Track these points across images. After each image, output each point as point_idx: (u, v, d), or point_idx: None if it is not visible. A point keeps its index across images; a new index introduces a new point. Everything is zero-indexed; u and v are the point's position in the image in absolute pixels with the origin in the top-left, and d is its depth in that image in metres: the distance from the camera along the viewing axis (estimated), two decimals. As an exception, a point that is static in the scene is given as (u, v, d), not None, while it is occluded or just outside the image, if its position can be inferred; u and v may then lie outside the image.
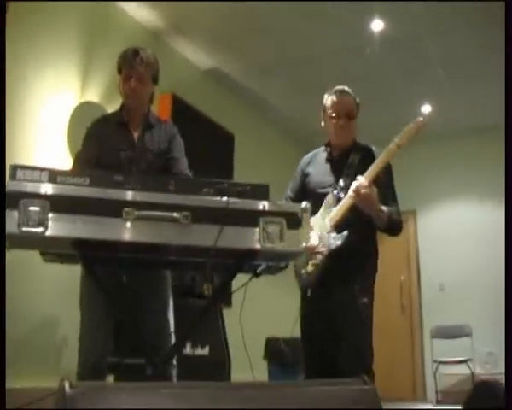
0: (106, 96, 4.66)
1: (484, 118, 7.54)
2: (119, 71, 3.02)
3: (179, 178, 2.79)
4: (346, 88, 3.24)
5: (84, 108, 4.45)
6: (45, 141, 4.27)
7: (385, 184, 3.07)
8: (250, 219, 2.09)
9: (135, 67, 2.94)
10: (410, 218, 8.29)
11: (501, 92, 6.11)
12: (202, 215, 2.05)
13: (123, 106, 3.09)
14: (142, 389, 1.21)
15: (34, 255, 3.74)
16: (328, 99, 3.21)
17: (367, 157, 3.10)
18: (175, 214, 2.02)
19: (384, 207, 2.96)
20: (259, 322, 5.38)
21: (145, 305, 2.81)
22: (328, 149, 3.27)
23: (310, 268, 3.06)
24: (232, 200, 2.09)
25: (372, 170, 2.94)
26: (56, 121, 4.37)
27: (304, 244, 2.13)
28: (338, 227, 3.02)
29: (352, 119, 3.19)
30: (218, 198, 2.09)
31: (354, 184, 2.90)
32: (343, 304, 2.99)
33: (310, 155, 3.38)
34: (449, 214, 8.15)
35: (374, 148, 3.20)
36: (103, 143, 2.95)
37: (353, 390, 1.46)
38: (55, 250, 2.24)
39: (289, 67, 6.49)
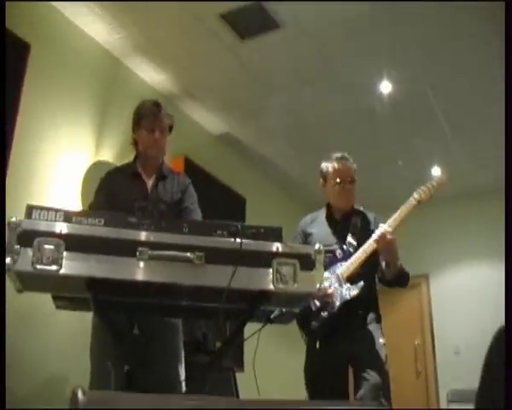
0: (119, 155, 4.73)
1: (494, 180, 7.56)
2: (138, 123, 3.06)
3: (192, 220, 2.81)
4: (345, 154, 3.42)
5: (97, 167, 4.51)
6: (59, 197, 4.31)
7: None
8: (263, 260, 2.09)
9: (159, 119, 3.02)
10: (422, 281, 8.23)
11: (503, 154, 6.21)
12: (216, 256, 2.05)
13: (136, 157, 3.13)
14: (155, 400, 1.19)
15: (44, 308, 3.76)
16: (330, 166, 3.39)
17: (365, 222, 3.32)
18: (189, 255, 2.02)
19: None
20: (271, 386, 5.29)
21: (156, 356, 2.78)
22: (330, 211, 3.44)
23: (321, 319, 3.10)
24: (246, 241, 2.09)
25: (394, 220, 3.06)
26: (70, 179, 4.42)
27: (318, 285, 2.12)
28: (350, 279, 3.13)
29: (354, 183, 3.37)
30: (232, 240, 2.09)
31: (379, 231, 3.01)
32: (362, 344, 3.07)
33: (310, 216, 3.53)
34: (462, 277, 8.07)
35: (370, 214, 3.40)
36: (117, 192, 2.98)
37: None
38: (68, 293, 2.23)
39: (299, 130, 6.58)
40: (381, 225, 3.04)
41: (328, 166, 3.39)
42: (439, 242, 8.22)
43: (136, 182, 3.07)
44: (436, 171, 7.43)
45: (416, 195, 3.10)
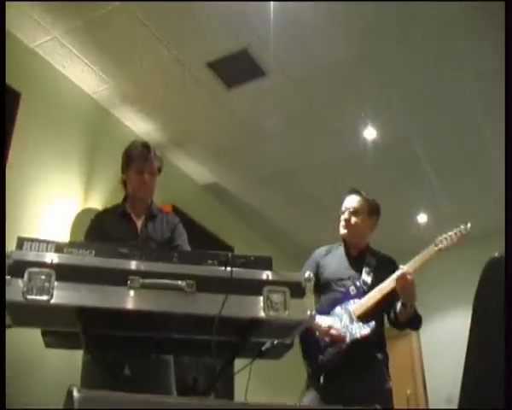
0: (108, 202, 4.73)
1: (481, 225, 7.61)
2: (127, 164, 3.10)
3: (183, 251, 2.82)
4: (357, 188, 3.55)
5: (86, 214, 4.51)
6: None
7: None
8: (254, 288, 2.10)
9: (148, 162, 3.05)
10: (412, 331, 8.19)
11: (490, 199, 6.28)
12: (207, 284, 2.05)
13: (125, 198, 3.15)
14: (150, 400, 1.18)
15: (31, 353, 3.71)
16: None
17: (379, 262, 3.37)
18: (180, 283, 2.02)
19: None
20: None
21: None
22: (347, 246, 3.48)
23: (327, 356, 3.06)
24: (236, 270, 2.10)
25: (414, 262, 3.14)
26: (59, 225, 4.42)
27: (308, 313, 2.12)
28: (362, 318, 3.13)
29: (357, 215, 3.42)
30: (223, 268, 2.10)
31: (400, 271, 3.06)
32: (368, 387, 3.02)
33: (325, 247, 3.55)
34: (452, 325, 8.05)
35: (385, 255, 3.48)
36: (107, 232, 2.99)
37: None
38: (58, 326, 2.21)
39: (285, 179, 6.63)
40: (401, 266, 3.09)
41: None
42: (427, 290, 8.15)
43: (126, 222, 3.08)
44: (422, 218, 7.50)
45: (437, 241, 3.22)
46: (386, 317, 3.28)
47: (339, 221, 3.47)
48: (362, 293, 3.20)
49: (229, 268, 2.09)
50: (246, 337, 2.22)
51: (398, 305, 3.12)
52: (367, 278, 3.24)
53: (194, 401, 1.31)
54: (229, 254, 2.16)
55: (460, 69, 5.01)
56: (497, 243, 1.51)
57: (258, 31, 4.56)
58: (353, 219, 3.39)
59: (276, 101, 5.37)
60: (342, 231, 3.43)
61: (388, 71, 5.04)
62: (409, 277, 3.02)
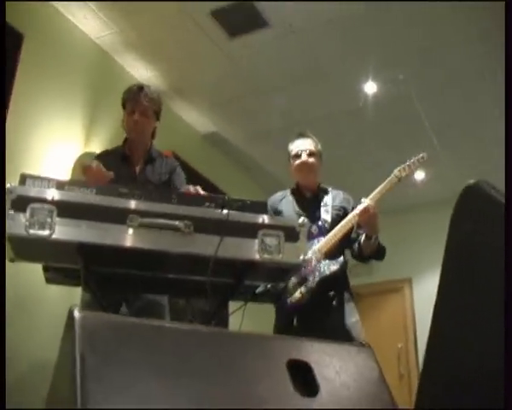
0: (108, 147, 4.77)
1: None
2: (124, 106, 3.15)
3: (181, 192, 2.87)
4: (307, 131, 3.56)
5: (86, 157, 4.55)
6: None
7: None
8: (249, 231, 2.17)
9: (139, 102, 3.08)
10: (405, 285, 8.32)
11: (492, 158, 6.31)
12: (204, 225, 2.12)
13: (126, 140, 3.20)
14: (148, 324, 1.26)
15: (30, 295, 3.79)
16: (291, 144, 3.54)
17: (335, 199, 3.40)
18: (177, 223, 2.08)
19: None
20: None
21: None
22: (299, 189, 3.51)
23: (297, 295, 3.10)
24: (232, 212, 2.16)
25: (375, 195, 3.12)
26: (60, 168, 4.47)
27: (302, 257, 2.19)
28: (328, 255, 3.15)
29: (313, 157, 3.43)
30: (219, 211, 2.17)
31: (362, 205, 3.07)
32: (336, 326, 3.07)
33: (280, 193, 3.58)
34: (445, 281, 8.16)
35: (338, 191, 3.49)
36: None
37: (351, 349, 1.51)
38: (58, 262, 2.28)
39: (285, 132, 6.61)
40: (363, 199, 3.09)
41: (290, 144, 3.52)
42: (422, 246, 8.30)
43: (125, 165, 3.14)
44: (420, 175, 7.55)
45: (396, 172, 3.17)
46: (350, 252, 3.33)
47: (292, 163, 3.48)
48: (325, 231, 3.21)
49: (225, 211, 2.16)
50: (240, 279, 2.30)
51: (362, 238, 3.15)
52: (326, 216, 3.27)
53: (188, 326, 1.38)
54: (226, 197, 2.22)
55: (464, 30, 5.00)
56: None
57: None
58: (310, 160, 3.41)
59: (278, 52, 5.36)
60: (304, 177, 3.45)
61: (392, 28, 5.02)
62: (371, 210, 3.03)
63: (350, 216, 3.14)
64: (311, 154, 3.41)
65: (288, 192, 3.54)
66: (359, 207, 3.08)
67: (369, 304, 7.95)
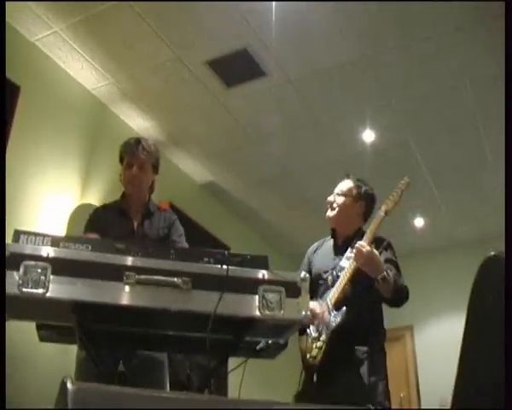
0: (105, 199, 4.72)
1: (475, 230, 7.63)
2: (121, 160, 3.11)
3: (180, 247, 2.82)
4: (349, 174, 3.44)
5: (82, 209, 4.52)
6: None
7: (389, 259, 3.11)
8: (250, 287, 2.10)
9: (136, 155, 3.05)
10: (407, 333, 8.23)
11: (491, 204, 6.29)
12: (203, 282, 2.05)
13: (123, 194, 3.16)
14: (144, 396, 1.19)
15: (25, 346, 3.70)
16: None
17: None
18: (176, 279, 2.02)
19: (389, 271, 2.94)
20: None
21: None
22: (334, 237, 3.36)
23: (314, 352, 3.00)
24: (232, 268, 2.10)
25: (367, 236, 2.99)
26: (56, 220, 4.42)
27: (303, 313, 2.12)
28: (337, 305, 3.01)
29: (347, 200, 3.27)
30: (219, 266, 2.11)
31: (355, 247, 2.93)
32: (350, 387, 2.90)
33: (318, 242, 3.45)
34: (446, 328, 8.05)
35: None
36: (104, 229, 2.98)
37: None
38: (53, 320, 2.21)
39: (282, 180, 6.63)
40: (358, 243, 2.94)
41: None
42: (423, 293, 8.20)
43: (123, 219, 3.09)
44: (419, 222, 7.52)
45: (383, 207, 3.04)
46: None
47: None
48: (337, 280, 3.06)
49: (225, 266, 2.10)
50: (240, 336, 2.22)
51: (376, 283, 2.93)
52: (345, 263, 3.08)
53: (188, 396, 1.31)
54: (226, 253, 2.16)
55: (459, 75, 5.03)
56: (494, 249, 1.44)
57: (258, 31, 4.56)
58: (337, 201, 3.26)
59: (275, 101, 5.38)
60: (327, 214, 3.30)
61: (388, 75, 5.05)
62: (364, 250, 2.86)
63: (349, 263, 3.00)
64: (341, 194, 3.27)
65: (325, 240, 3.42)
66: (353, 251, 2.93)
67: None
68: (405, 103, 5.40)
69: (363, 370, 2.93)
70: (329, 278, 3.12)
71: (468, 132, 5.77)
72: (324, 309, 3.00)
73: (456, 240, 7.97)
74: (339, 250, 3.26)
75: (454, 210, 7.25)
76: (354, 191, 3.29)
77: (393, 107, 5.42)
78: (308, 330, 3.03)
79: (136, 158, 3.06)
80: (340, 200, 3.26)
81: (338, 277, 3.07)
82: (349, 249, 3.11)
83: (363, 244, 2.90)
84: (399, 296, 3.04)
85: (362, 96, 5.31)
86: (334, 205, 3.27)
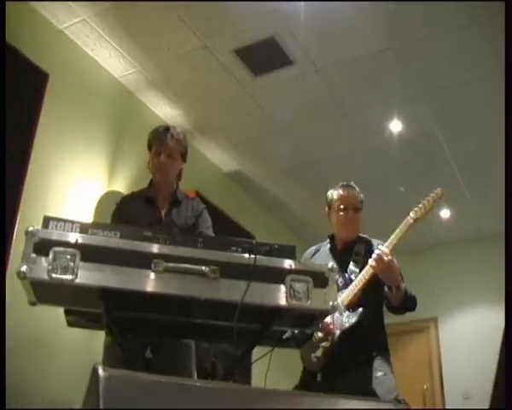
0: (132, 187, 4.75)
1: (502, 222, 7.52)
2: (150, 147, 3.11)
3: (207, 236, 2.82)
4: (352, 183, 3.39)
5: (110, 196, 4.55)
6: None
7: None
8: (277, 276, 2.09)
9: (165, 143, 3.04)
10: (431, 325, 8.17)
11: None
12: (230, 270, 2.05)
13: (151, 182, 3.16)
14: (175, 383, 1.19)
15: (52, 333, 3.74)
16: (335, 193, 3.35)
17: (369, 249, 3.19)
18: (203, 268, 2.02)
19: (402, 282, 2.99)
20: None
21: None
22: (333, 242, 3.38)
23: (320, 352, 3.01)
24: (260, 257, 2.10)
25: (391, 240, 2.99)
26: (83, 207, 4.46)
27: (331, 303, 2.11)
28: (350, 307, 3.04)
29: (358, 212, 3.30)
30: (246, 255, 2.10)
31: (375, 254, 2.93)
32: (361, 382, 2.91)
33: (313, 247, 3.48)
34: (472, 320, 8.00)
35: (374, 240, 3.29)
36: (132, 218, 2.99)
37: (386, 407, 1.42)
38: (81, 306, 2.23)
39: (308, 170, 6.61)
40: (378, 247, 2.96)
41: (333, 193, 3.35)
42: (448, 285, 8.17)
43: (151, 208, 3.09)
44: (445, 213, 7.45)
45: (412, 214, 3.02)
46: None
47: (334, 214, 3.33)
48: (350, 283, 3.08)
49: (252, 255, 2.09)
50: (267, 325, 2.22)
51: (386, 289, 2.99)
52: (354, 267, 3.12)
53: (216, 384, 1.32)
54: (254, 242, 2.15)
55: (484, 67, 4.96)
56: None
57: (286, 19, 4.54)
58: (356, 218, 3.28)
59: (301, 91, 5.35)
60: (347, 232, 3.30)
61: (415, 65, 4.99)
62: (385, 258, 2.88)
63: (367, 267, 3.00)
64: (356, 209, 3.28)
65: (321, 245, 3.45)
66: (373, 257, 2.93)
67: (393, 344, 7.74)
68: (432, 94, 5.34)
69: (375, 366, 2.99)
70: (340, 279, 3.10)
71: (494, 123, 5.69)
72: (329, 321, 3.00)
73: (482, 232, 7.88)
74: (339, 254, 3.29)
75: (481, 202, 7.17)
76: (360, 204, 3.33)
77: (420, 97, 5.37)
78: None
79: (165, 146, 3.05)
80: (356, 216, 3.29)
81: (350, 279, 3.10)
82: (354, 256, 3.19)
83: (386, 252, 2.91)
84: (408, 307, 3.08)
85: (389, 86, 5.26)
86: (354, 221, 3.29)
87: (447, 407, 7.79)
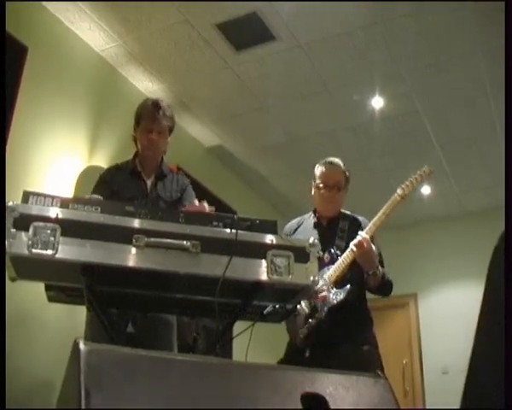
0: (113, 160, 4.72)
1: (483, 200, 7.60)
2: (137, 122, 3.08)
3: (188, 211, 2.81)
4: (336, 160, 3.35)
5: (90, 171, 4.51)
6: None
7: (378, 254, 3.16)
8: (258, 251, 2.11)
9: (157, 121, 3.02)
10: (410, 301, 8.25)
11: (498, 174, 6.26)
12: (212, 245, 2.06)
13: (136, 155, 3.14)
14: (156, 357, 1.19)
15: (33, 310, 3.73)
16: (318, 169, 3.32)
17: (354, 226, 3.22)
18: (185, 243, 2.02)
19: (379, 266, 3.05)
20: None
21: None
22: (317, 217, 3.36)
23: (305, 330, 3.04)
24: (241, 232, 2.10)
25: (379, 217, 3.01)
26: (63, 182, 4.42)
27: (312, 278, 2.12)
28: (337, 283, 3.06)
29: (340, 190, 3.28)
30: (228, 230, 2.11)
31: (357, 239, 2.96)
32: (349, 355, 2.94)
33: (296, 220, 3.46)
34: (450, 297, 8.09)
35: (360, 218, 3.31)
36: (116, 190, 2.97)
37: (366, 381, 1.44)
38: (62, 281, 2.22)
39: (290, 147, 6.59)
40: (359, 233, 2.99)
41: (318, 168, 3.33)
42: (428, 261, 8.24)
43: (136, 180, 3.08)
44: (426, 190, 7.49)
45: (399, 191, 3.03)
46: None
47: (315, 190, 3.31)
48: (336, 259, 3.08)
49: (234, 230, 2.10)
50: (248, 300, 2.24)
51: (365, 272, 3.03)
52: (340, 242, 3.14)
53: (197, 358, 1.32)
54: (235, 217, 2.16)
55: (471, 46, 4.96)
56: (500, 220, 1.39)
57: (269, -7, 4.50)
58: (338, 195, 3.27)
59: (284, 66, 5.31)
60: (328, 209, 3.30)
61: (399, 42, 4.97)
62: (365, 244, 2.92)
63: (349, 248, 3.02)
64: (338, 188, 3.26)
65: (304, 218, 3.42)
66: (354, 241, 2.97)
67: (373, 320, 7.82)
68: (415, 72, 5.34)
69: (361, 341, 3.05)
70: (325, 255, 3.10)
71: (477, 103, 5.71)
72: (324, 287, 3.02)
73: (463, 209, 7.95)
74: (324, 229, 3.29)
75: (462, 179, 7.21)
76: (344, 181, 3.30)
77: (403, 75, 5.36)
78: (298, 307, 2.99)
79: (157, 123, 3.03)
80: (340, 193, 3.28)
81: (337, 255, 3.11)
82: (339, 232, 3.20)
83: (367, 238, 2.95)
84: (383, 290, 3.14)
85: (372, 63, 5.24)
86: (336, 199, 3.28)
87: (426, 382, 7.90)
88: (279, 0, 4.52)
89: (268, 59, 5.21)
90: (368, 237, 2.97)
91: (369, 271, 2.99)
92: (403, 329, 8.17)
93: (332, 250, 3.14)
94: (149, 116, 3.05)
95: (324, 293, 3.00)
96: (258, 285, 2.13)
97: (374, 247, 3.01)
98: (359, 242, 2.94)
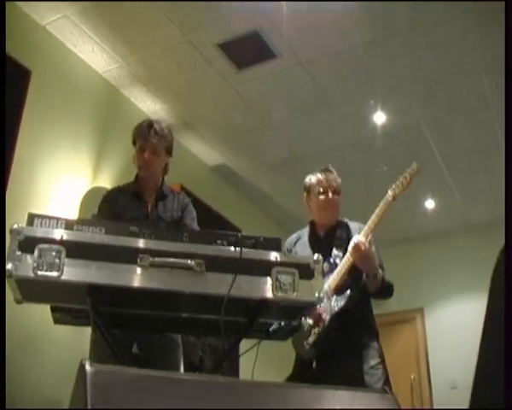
0: (117, 182, 4.74)
1: (487, 214, 7.58)
2: (134, 143, 3.11)
3: (193, 230, 2.82)
4: (330, 167, 3.37)
5: (94, 193, 4.53)
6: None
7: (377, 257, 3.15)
8: (263, 269, 2.10)
9: (149, 140, 3.04)
10: (417, 315, 8.22)
11: (502, 186, 6.27)
12: (216, 264, 2.06)
13: (137, 177, 3.16)
14: (162, 377, 1.19)
15: (40, 331, 3.73)
16: (313, 178, 3.33)
17: (350, 233, 3.21)
18: (189, 262, 2.02)
19: (380, 269, 3.04)
20: None
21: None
22: (313, 229, 3.37)
23: (311, 339, 3.02)
24: (245, 250, 2.11)
25: (373, 220, 3.01)
26: (68, 203, 4.44)
27: (317, 294, 2.12)
28: (338, 291, 3.05)
29: (339, 195, 3.29)
30: (232, 248, 2.11)
31: (352, 242, 2.95)
32: (354, 370, 2.95)
33: (296, 234, 3.46)
34: (457, 310, 8.05)
35: (355, 224, 3.30)
36: (118, 212, 2.99)
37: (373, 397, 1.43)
38: (67, 303, 2.23)
39: (294, 164, 6.60)
40: (355, 236, 2.98)
41: (311, 177, 3.34)
42: (434, 276, 8.22)
43: (137, 202, 3.09)
44: (430, 204, 7.49)
45: (390, 192, 3.03)
46: None
47: (314, 199, 3.30)
48: (335, 267, 3.08)
49: (238, 248, 2.10)
50: (254, 318, 2.23)
51: (364, 275, 3.02)
52: (338, 251, 3.13)
53: (205, 377, 1.32)
54: (239, 235, 2.17)
55: (473, 58, 4.98)
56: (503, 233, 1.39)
57: (269, 13, 4.53)
58: (336, 201, 3.26)
59: (286, 84, 5.35)
60: (329, 216, 3.30)
61: (400, 57, 5.00)
62: (362, 247, 2.91)
63: (346, 255, 3.02)
64: (336, 192, 3.26)
65: (303, 232, 3.43)
66: (351, 245, 2.97)
67: (380, 335, 7.77)
68: (417, 86, 5.36)
69: (368, 353, 3.02)
70: (325, 264, 3.07)
71: (480, 115, 5.72)
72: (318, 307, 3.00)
73: (468, 223, 7.93)
74: (323, 241, 3.29)
75: (466, 193, 7.20)
76: (341, 186, 3.32)
77: (405, 89, 5.38)
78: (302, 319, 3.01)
79: (149, 143, 3.04)
80: (336, 199, 3.28)
81: (335, 264, 3.10)
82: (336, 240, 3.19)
83: (363, 241, 2.93)
84: (384, 294, 3.14)
85: (373, 79, 5.27)
86: (335, 204, 3.28)
87: (434, 397, 7.84)
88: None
89: (270, 77, 5.24)
90: (363, 239, 2.96)
91: (369, 273, 2.99)
92: (410, 344, 8.13)
93: (331, 259, 3.14)
94: (142, 136, 3.07)
95: (324, 315, 2.98)
96: (263, 303, 2.12)
97: (373, 248, 3.02)
98: (356, 245, 2.94)
